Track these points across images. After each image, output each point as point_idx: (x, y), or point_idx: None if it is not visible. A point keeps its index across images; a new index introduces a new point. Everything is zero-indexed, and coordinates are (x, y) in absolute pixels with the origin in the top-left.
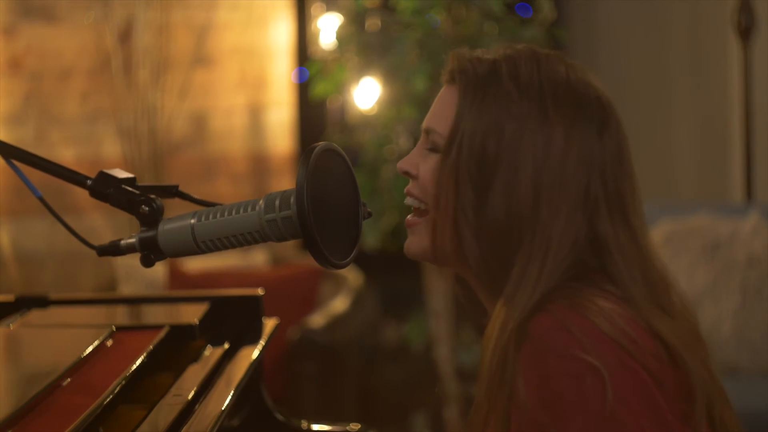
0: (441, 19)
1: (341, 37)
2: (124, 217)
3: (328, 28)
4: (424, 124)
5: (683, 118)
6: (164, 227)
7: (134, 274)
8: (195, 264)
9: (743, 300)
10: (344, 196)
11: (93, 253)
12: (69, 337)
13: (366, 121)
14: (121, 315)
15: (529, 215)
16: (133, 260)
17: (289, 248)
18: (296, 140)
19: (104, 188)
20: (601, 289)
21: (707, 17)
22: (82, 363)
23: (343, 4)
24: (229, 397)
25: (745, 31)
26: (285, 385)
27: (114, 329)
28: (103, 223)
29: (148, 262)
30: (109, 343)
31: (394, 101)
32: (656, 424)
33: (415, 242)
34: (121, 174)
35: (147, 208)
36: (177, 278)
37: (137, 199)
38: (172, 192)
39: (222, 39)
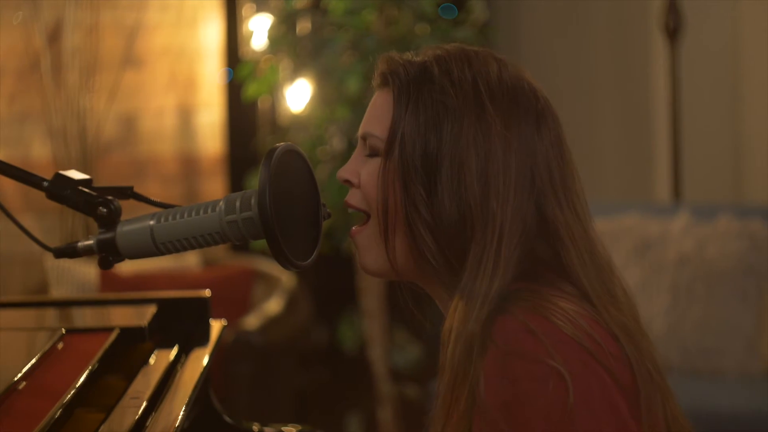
0: (373, 19)
1: (273, 38)
2: (54, 219)
3: (259, 29)
4: (361, 131)
5: (608, 119)
6: (122, 229)
7: (65, 277)
8: (127, 266)
9: (673, 299)
10: (305, 196)
11: (21, 255)
12: (18, 340)
13: (297, 122)
14: (68, 317)
15: (479, 206)
16: (64, 262)
17: (221, 250)
18: (226, 142)
19: (61, 190)
20: (560, 290)
21: (632, 18)
22: (36, 366)
23: (274, 5)
24: (188, 400)
25: (673, 32)
26: (219, 386)
27: (64, 332)
28: (33, 224)
29: (106, 264)
30: (60, 345)
31: (326, 102)
32: (617, 428)
33: (371, 259)
34: (77, 175)
35: (105, 210)
36: (109, 280)
37: (95, 200)
38: (127, 193)
39: (152, 40)
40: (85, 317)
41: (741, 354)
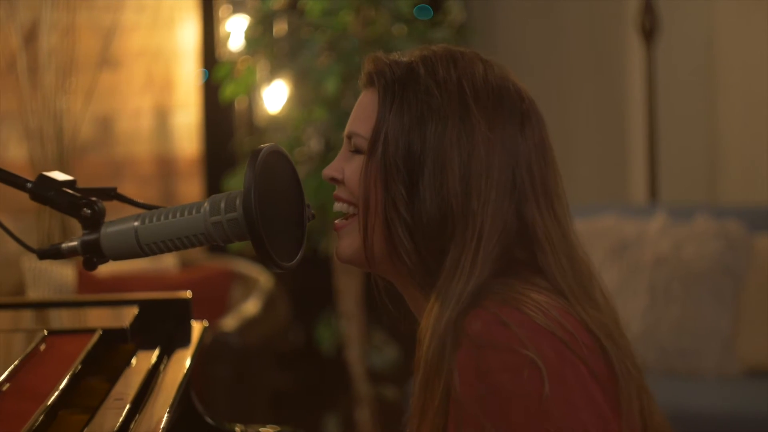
0: (350, 20)
1: (250, 39)
2: (31, 219)
3: (236, 30)
4: (346, 130)
5: (584, 120)
6: (107, 230)
7: (42, 278)
8: (104, 267)
9: (651, 300)
10: (289, 197)
11: None
12: (1, 341)
13: (275, 123)
14: (50, 319)
15: (460, 206)
16: (41, 264)
17: (199, 251)
18: (203, 143)
19: (45, 191)
20: (531, 283)
21: (608, 19)
22: (18, 368)
23: (250, 6)
24: (171, 402)
25: (649, 33)
26: (197, 387)
27: (46, 333)
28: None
29: (90, 266)
30: (42, 347)
31: (304, 103)
32: (594, 416)
33: (346, 245)
34: (61, 176)
35: (89, 211)
36: (86, 282)
37: (79, 202)
38: (111, 194)
39: (128, 41)
40: (66, 319)
41: (718, 354)
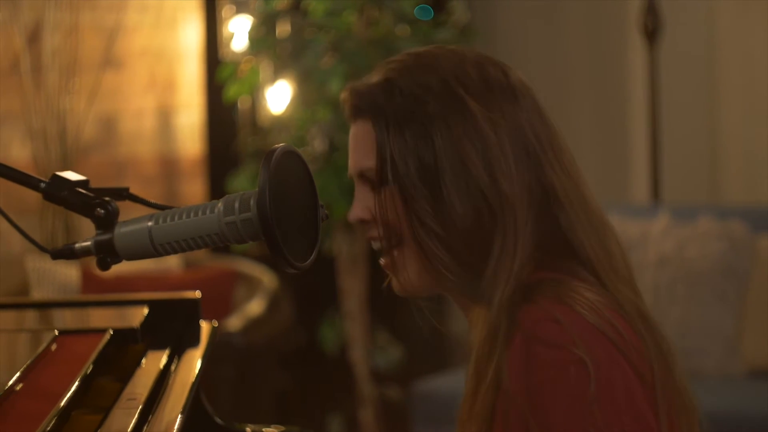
0: (354, 21)
1: (253, 40)
2: (34, 219)
3: (240, 30)
4: (354, 170)
5: (586, 120)
6: (120, 230)
7: (46, 278)
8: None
9: (655, 300)
10: (303, 197)
11: (2, 256)
12: (11, 341)
13: (278, 123)
14: (60, 319)
15: (491, 194)
16: (45, 264)
17: (202, 251)
18: (206, 143)
19: (58, 191)
20: (582, 280)
21: (610, 20)
22: (31, 368)
23: (254, 6)
24: (184, 403)
25: (652, 33)
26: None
27: (57, 333)
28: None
29: (104, 266)
30: (53, 347)
31: (307, 103)
32: (635, 420)
33: (406, 282)
34: (74, 176)
35: (103, 211)
36: (90, 282)
37: (92, 202)
38: (123, 194)
39: (131, 41)
40: (76, 318)
41: (721, 354)
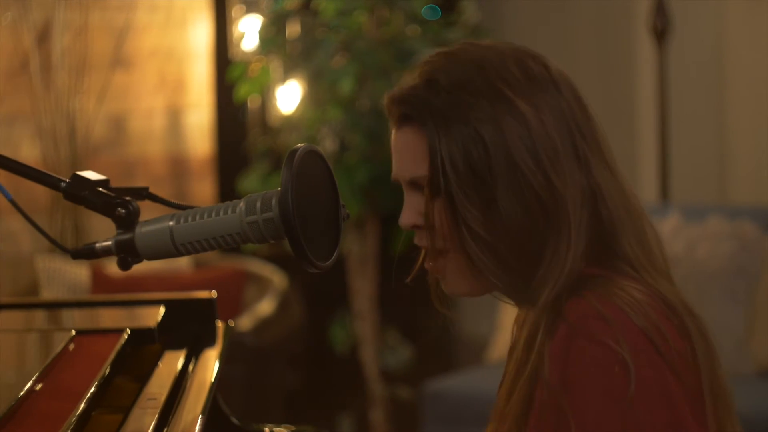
0: (364, 20)
1: (263, 39)
2: (43, 219)
3: (250, 30)
4: (403, 176)
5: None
6: (141, 230)
7: (56, 278)
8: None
9: None
10: (325, 197)
11: (10, 256)
12: (29, 341)
13: (288, 123)
14: (76, 319)
15: (545, 192)
16: (55, 263)
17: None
18: (215, 143)
19: (79, 191)
20: (633, 279)
21: (620, 19)
22: (50, 367)
23: (264, 5)
24: (204, 403)
25: (661, 34)
26: None
27: (74, 333)
28: (23, 225)
29: (125, 265)
30: (71, 347)
31: (318, 103)
32: (672, 426)
33: (453, 285)
34: (94, 176)
35: (124, 211)
36: (100, 282)
37: (113, 201)
38: (143, 194)
39: (141, 41)
40: (93, 319)
41: (731, 354)
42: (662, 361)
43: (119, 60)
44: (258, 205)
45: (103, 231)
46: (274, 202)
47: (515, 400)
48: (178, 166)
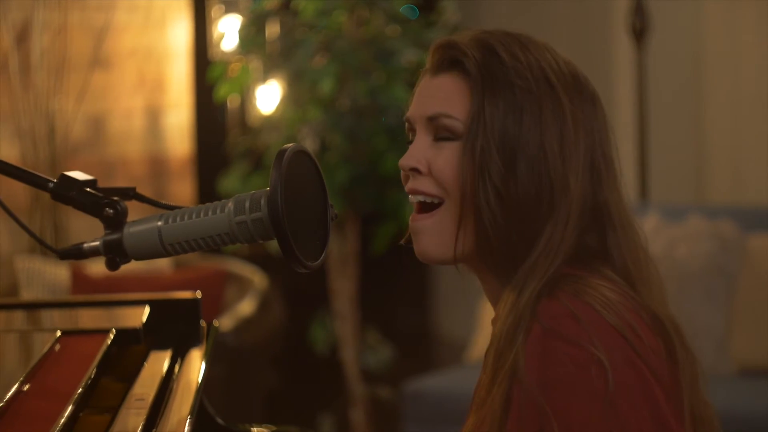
0: (344, 20)
1: (243, 39)
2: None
3: (230, 30)
4: (424, 114)
5: None
6: (129, 230)
7: (35, 278)
8: (98, 268)
9: None
10: (313, 197)
11: None
12: (14, 342)
13: (268, 123)
14: (61, 319)
15: (559, 185)
16: (34, 264)
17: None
18: (195, 143)
19: (67, 191)
20: (606, 278)
21: (598, 20)
22: (37, 368)
23: (243, 5)
24: (192, 403)
25: (640, 34)
26: None
27: (59, 333)
28: (2, 225)
29: (113, 266)
30: (57, 347)
31: (298, 103)
32: (655, 422)
33: (434, 244)
34: (82, 176)
35: (112, 211)
36: (80, 282)
37: (101, 201)
38: (130, 194)
39: (120, 41)
40: (78, 319)
41: (711, 354)
42: (638, 357)
43: (98, 60)
44: (247, 204)
45: (83, 231)
46: (263, 201)
47: (493, 398)
48: (158, 166)
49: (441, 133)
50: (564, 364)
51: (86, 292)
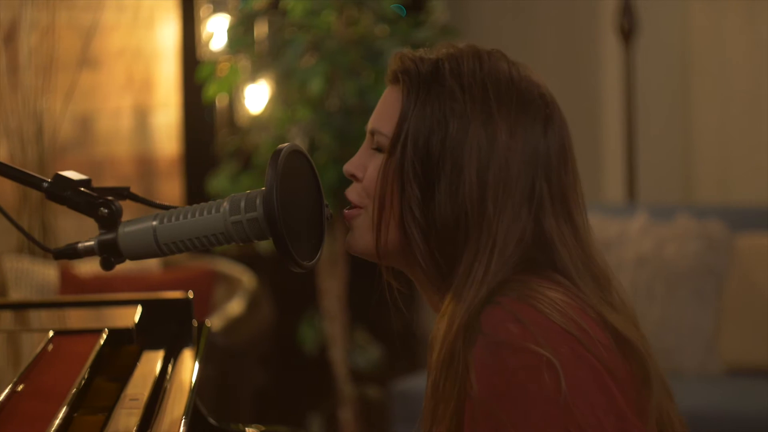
0: (333, 20)
1: (232, 39)
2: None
3: (219, 30)
4: (369, 125)
5: None
6: (124, 230)
7: (24, 278)
8: (87, 267)
9: (633, 299)
10: (308, 197)
11: None
12: (6, 342)
13: (256, 123)
14: (53, 319)
15: (475, 213)
16: (23, 264)
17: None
18: (183, 143)
19: (61, 191)
20: (548, 280)
21: (586, 20)
22: (30, 368)
23: (232, 5)
24: (187, 404)
25: (627, 34)
26: None
27: (52, 333)
28: None
29: (108, 266)
30: (50, 347)
31: (287, 103)
32: (612, 415)
33: (358, 238)
34: (76, 176)
35: (106, 211)
36: (69, 282)
37: (96, 201)
38: (124, 194)
39: (108, 40)
40: (70, 319)
41: (700, 353)
42: (587, 351)
43: (86, 60)
44: (242, 204)
45: (71, 230)
46: (258, 201)
47: (442, 413)
48: (146, 166)
49: (375, 145)
50: (514, 372)
51: (75, 292)
